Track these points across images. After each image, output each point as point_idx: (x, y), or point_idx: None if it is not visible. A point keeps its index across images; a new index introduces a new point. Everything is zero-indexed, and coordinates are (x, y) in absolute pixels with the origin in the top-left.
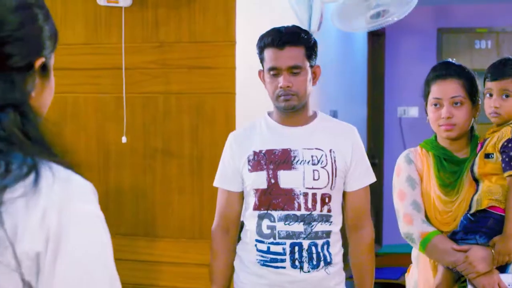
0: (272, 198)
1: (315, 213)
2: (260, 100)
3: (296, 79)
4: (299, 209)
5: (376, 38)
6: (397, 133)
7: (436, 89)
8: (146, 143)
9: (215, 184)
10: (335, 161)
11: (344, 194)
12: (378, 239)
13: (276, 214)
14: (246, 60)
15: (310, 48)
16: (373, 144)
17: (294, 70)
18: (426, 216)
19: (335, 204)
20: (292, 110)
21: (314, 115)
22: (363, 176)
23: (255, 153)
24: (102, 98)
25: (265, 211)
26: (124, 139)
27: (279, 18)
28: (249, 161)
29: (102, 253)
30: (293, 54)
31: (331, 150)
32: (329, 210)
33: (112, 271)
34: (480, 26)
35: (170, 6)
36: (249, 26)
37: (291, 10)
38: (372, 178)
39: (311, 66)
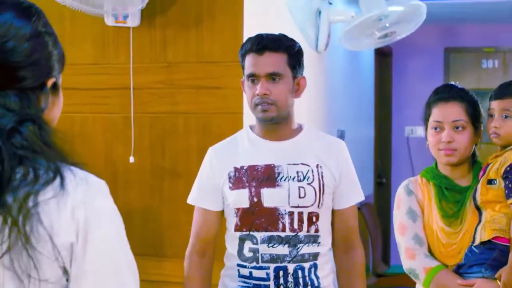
0: (255, 218)
1: (301, 234)
2: None
3: (275, 87)
4: (283, 229)
5: (383, 57)
6: (404, 152)
7: (437, 112)
8: (154, 163)
9: (190, 201)
10: (322, 176)
11: (333, 212)
12: (386, 259)
13: (259, 235)
14: None
15: (293, 56)
16: (380, 164)
17: (273, 76)
18: (430, 250)
19: (324, 223)
20: (272, 122)
21: (300, 128)
22: (352, 193)
23: (236, 169)
24: (110, 118)
25: (247, 232)
26: (131, 159)
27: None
28: (229, 177)
29: (121, 238)
30: (273, 61)
31: (318, 165)
32: (316, 230)
33: (129, 253)
34: (487, 46)
35: (178, 26)
36: None
37: (298, 31)
38: (361, 196)
39: (295, 77)
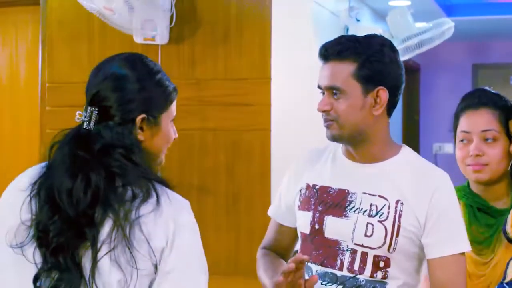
0: (313, 248)
1: (362, 277)
2: (295, 136)
3: (336, 103)
4: (340, 268)
5: (411, 73)
6: None
7: (465, 122)
8: (182, 179)
9: (269, 212)
10: (400, 216)
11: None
12: None
13: (314, 268)
14: (282, 96)
15: (365, 64)
16: None
17: (333, 91)
18: None
19: (398, 271)
20: (336, 141)
21: (396, 151)
22: (450, 239)
23: (308, 186)
24: None
25: (306, 262)
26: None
27: (315, 54)
28: (300, 195)
29: (197, 245)
30: (334, 71)
31: (398, 201)
32: (384, 277)
33: (204, 261)
34: None
35: (206, 43)
36: (285, 63)
37: None
38: (463, 246)
39: (368, 90)
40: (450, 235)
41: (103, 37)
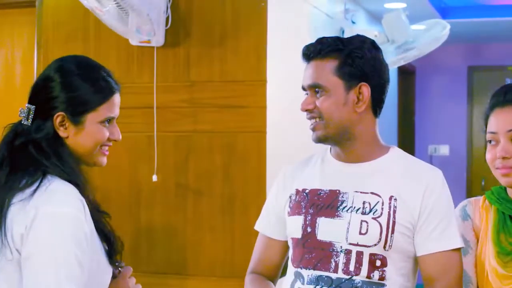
0: (305, 252)
1: (358, 279)
2: (291, 138)
3: (319, 101)
4: (335, 270)
5: (407, 76)
6: None
7: (492, 121)
8: (178, 182)
9: (256, 227)
10: (394, 211)
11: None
12: None
13: (306, 274)
14: (277, 99)
15: (347, 60)
16: None
17: (315, 89)
18: None
19: (394, 271)
20: (322, 142)
21: (384, 151)
22: (439, 235)
23: (297, 191)
24: (134, 137)
25: (297, 269)
26: (154, 178)
27: None
28: (290, 201)
29: (59, 239)
30: (316, 70)
31: (392, 197)
32: (382, 278)
33: (66, 254)
34: (511, 64)
35: (202, 46)
36: (280, 65)
37: None
38: (452, 243)
39: (350, 86)
40: (439, 232)
41: (99, 39)
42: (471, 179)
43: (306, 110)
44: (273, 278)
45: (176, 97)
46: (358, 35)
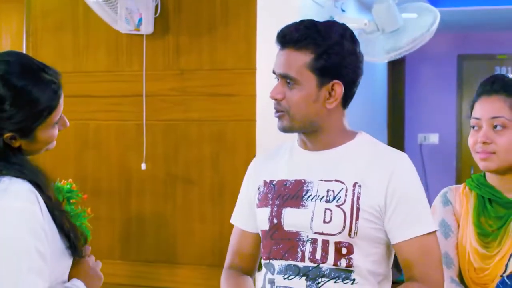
0: (273, 244)
1: (325, 266)
2: None
3: (289, 93)
4: (302, 259)
5: (396, 65)
6: (417, 160)
7: (477, 108)
8: (167, 171)
9: (231, 220)
10: (358, 198)
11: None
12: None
13: (276, 264)
14: (267, 87)
15: (322, 56)
16: None
17: (287, 80)
18: (460, 273)
19: (362, 258)
20: (287, 132)
21: (350, 137)
22: (411, 222)
23: (265, 183)
24: (123, 125)
25: (267, 260)
26: (143, 166)
27: None
28: (259, 193)
29: (17, 234)
30: (289, 60)
31: (355, 184)
32: (349, 265)
33: (23, 247)
34: (501, 53)
35: (191, 34)
36: (270, 54)
37: None
38: (425, 227)
39: (323, 82)
40: (412, 218)
41: (88, 28)
42: (460, 168)
43: (275, 99)
44: (250, 270)
45: (166, 86)
46: (336, 24)
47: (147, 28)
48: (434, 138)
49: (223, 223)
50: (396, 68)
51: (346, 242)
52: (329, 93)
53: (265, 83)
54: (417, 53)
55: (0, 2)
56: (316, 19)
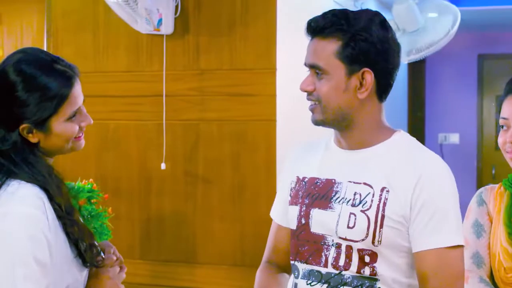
0: (299, 245)
1: (348, 274)
2: (301, 127)
3: (319, 83)
4: (325, 265)
5: (417, 64)
6: None
7: (506, 107)
8: (187, 170)
9: (270, 213)
10: (384, 204)
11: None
12: None
13: (300, 267)
14: (287, 87)
15: (351, 43)
16: None
17: (316, 70)
18: (491, 273)
19: (388, 268)
20: (320, 125)
21: (387, 135)
22: (431, 231)
23: (298, 179)
24: (143, 125)
25: (293, 262)
26: (163, 166)
27: None
28: (291, 189)
29: (17, 238)
30: (317, 49)
31: (383, 189)
32: (373, 274)
33: (24, 252)
34: None
35: (211, 34)
36: (290, 53)
37: None
38: (447, 239)
39: (352, 71)
40: (432, 227)
41: (108, 28)
42: (481, 168)
43: (306, 91)
44: (287, 266)
45: (186, 85)
46: (367, 11)
47: (167, 28)
48: (454, 138)
49: (243, 223)
50: (417, 67)
51: (369, 250)
52: (360, 82)
53: (285, 82)
54: (438, 52)
55: (22, 2)
56: None
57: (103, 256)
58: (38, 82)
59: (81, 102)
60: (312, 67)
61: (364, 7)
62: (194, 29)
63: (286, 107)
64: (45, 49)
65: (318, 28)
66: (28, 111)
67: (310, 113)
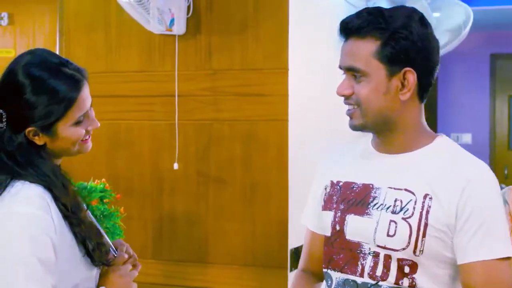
0: (333, 252)
1: (385, 284)
2: (313, 127)
3: (357, 86)
4: (361, 274)
5: None
6: None
7: None
8: (199, 170)
9: (301, 220)
10: (428, 212)
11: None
12: None
13: (334, 276)
14: (299, 87)
15: (388, 41)
16: None
17: (353, 73)
18: None
19: (428, 280)
20: (359, 131)
21: (429, 140)
22: (479, 243)
23: (332, 183)
24: (155, 125)
25: (326, 269)
26: (176, 166)
27: (331, 44)
28: (324, 193)
29: (17, 241)
30: (354, 50)
31: (426, 196)
32: (412, 285)
33: (24, 251)
34: None
35: (223, 34)
36: (302, 53)
37: None
38: (496, 251)
39: (393, 71)
40: (480, 238)
41: (120, 28)
42: (494, 168)
43: (343, 95)
44: (322, 272)
45: (198, 86)
46: (404, 8)
47: (179, 28)
48: (467, 138)
49: (255, 223)
50: None
51: (409, 260)
52: (401, 83)
53: (297, 82)
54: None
55: (34, 2)
56: None
57: (115, 254)
58: (46, 85)
59: (89, 105)
60: (350, 70)
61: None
62: (206, 29)
63: (298, 107)
64: (57, 50)
65: (354, 28)
66: (35, 114)
67: (323, 114)
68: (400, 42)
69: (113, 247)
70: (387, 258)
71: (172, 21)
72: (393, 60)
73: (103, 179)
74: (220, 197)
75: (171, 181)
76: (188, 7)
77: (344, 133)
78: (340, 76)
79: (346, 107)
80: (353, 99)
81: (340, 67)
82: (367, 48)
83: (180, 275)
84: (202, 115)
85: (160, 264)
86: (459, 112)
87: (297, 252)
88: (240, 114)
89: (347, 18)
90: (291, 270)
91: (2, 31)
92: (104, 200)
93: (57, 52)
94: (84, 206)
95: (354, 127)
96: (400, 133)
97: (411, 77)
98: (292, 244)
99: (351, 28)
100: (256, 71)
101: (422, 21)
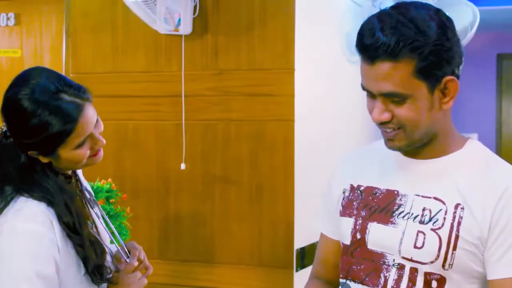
0: (353, 262)
1: None
2: (319, 127)
3: (397, 110)
4: (384, 287)
5: None
6: None
7: None
8: (205, 170)
9: (316, 225)
10: (459, 224)
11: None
12: None
13: (354, 287)
14: (306, 87)
15: (427, 57)
16: None
17: (393, 98)
18: None
19: None
20: (401, 151)
21: (460, 144)
22: (510, 257)
23: (351, 187)
24: (162, 125)
25: (344, 280)
26: (183, 166)
27: (338, 44)
28: (343, 198)
29: (19, 254)
30: (389, 74)
31: (458, 206)
32: None
33: (28, 267)
34: None
35: (229, 34)
36: (308, 53)
37: (351, 38)
38: None
39: (434, 85)
40: None
41: (127, 28)
42: None
43: (382, 122)
44: (335, 280)
45: (204, 86)
46: (430, 14)
47: (185, 28)
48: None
49: (261, 223)
50: None
51: (438, 274)
52: (442, 92)
53: (304, 82)
54: None
55: (41, 3)
56: (354, 18)
57: (127, 260)
58: (40, 119)
59: (91, 128)
60: (389, 96)
61: (382, 7)
62: (212, 29)
63: (304, 107)
64: (63, 50)
65: (386, 50)
66: (33, 143)
67: (330, 114)
68: (441, 54)
69: (126, 250)
70: (413, 271)
71: (178, 21)
72: (435, 74)
73: (110, 179)
74: (226, 197)
75: (177, 181)
76: (195, 7)
77: (350, 133)
78: (346, 77)
79: (354, 110)
80: (394, 123)
81: (372, 93)
82: (404, 70)
83: (186, 275)
84: (208, 115)
85: (166, 264)
86: (465, 113)
87: (303, 252)
88: (247, 114)
89: (371, 37)
90: (297, 270)
91: (9, 31)
92: (111, 200)
93: (64, 52)
94: (89, 223)
95: (398, 148)
96: (436, 140)
97: (453, 84)
98: (298, 244)
99: (383, 51)
100: (263, 71)
101: (450, 25)
